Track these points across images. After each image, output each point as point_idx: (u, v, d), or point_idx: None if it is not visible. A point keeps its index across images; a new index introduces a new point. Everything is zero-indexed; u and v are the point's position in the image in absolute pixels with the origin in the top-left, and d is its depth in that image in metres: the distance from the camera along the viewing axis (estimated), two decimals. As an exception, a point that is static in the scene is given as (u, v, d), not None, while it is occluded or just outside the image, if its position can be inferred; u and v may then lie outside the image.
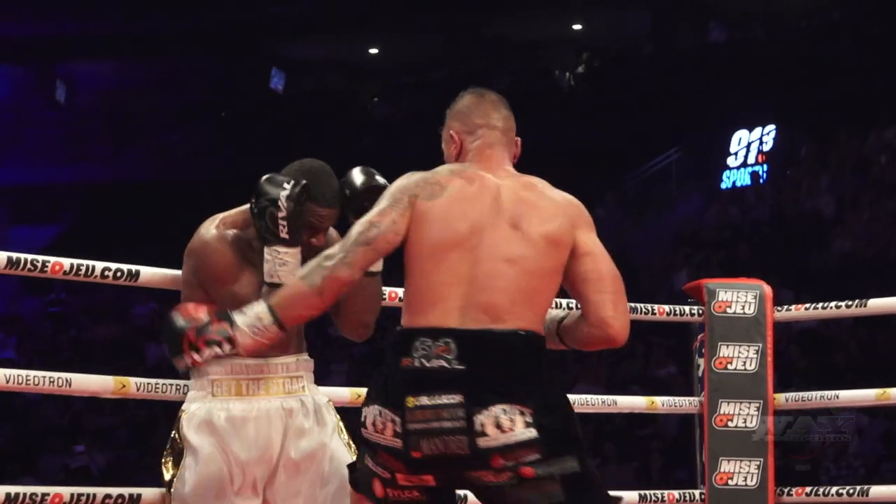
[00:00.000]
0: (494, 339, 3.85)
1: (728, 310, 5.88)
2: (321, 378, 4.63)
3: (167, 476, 4.36)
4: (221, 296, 4.30)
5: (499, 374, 3.82)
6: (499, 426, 3.76)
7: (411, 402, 3.79)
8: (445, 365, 3.80)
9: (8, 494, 4.52)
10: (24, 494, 4.55)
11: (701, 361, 5.90)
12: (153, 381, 4.83)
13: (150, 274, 4.77)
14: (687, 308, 5.97)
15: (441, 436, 3.77)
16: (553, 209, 4.03)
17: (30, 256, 4.60)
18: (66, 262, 4.66)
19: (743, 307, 5.90)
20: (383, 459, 3.84)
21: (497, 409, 3.77)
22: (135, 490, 4.73)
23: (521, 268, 3.94)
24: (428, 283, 3.92)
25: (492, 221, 3.97)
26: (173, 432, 4.36)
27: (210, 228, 4.36)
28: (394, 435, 3.80)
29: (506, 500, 3.82)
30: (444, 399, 3.77)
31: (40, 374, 4.65)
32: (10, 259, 4.54)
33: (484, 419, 3.75)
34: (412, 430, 3.78)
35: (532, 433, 3.77)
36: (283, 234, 4.23)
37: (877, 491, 6.03)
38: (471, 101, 4.22)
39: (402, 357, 3.83)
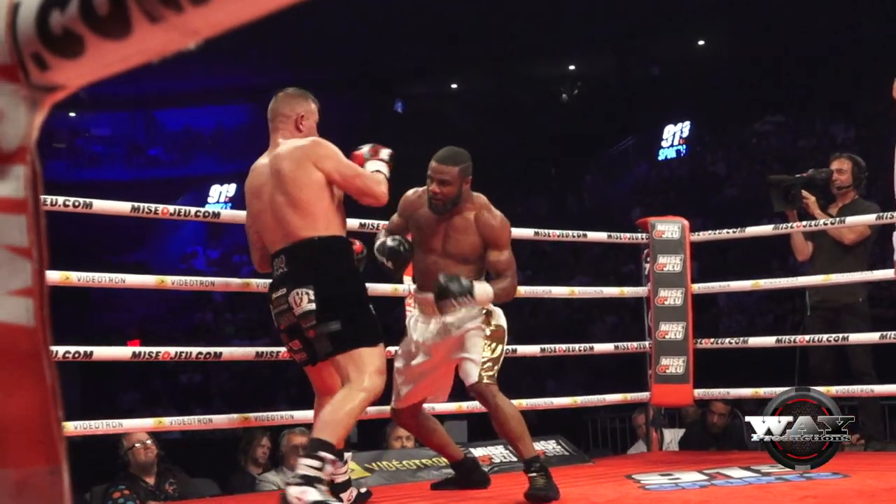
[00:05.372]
0: (296, 248, 3.68)
1: (663, 235, 5.84)
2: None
3: None
4: None
5: (297, 270, 3.67)
6: (297, 303, 3.63)
7: (271, 296, 3.74)
8: (281, 271, 3.70)
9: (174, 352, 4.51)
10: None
11: (647, 265, 5.87)
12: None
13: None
14: (640, 234, 5.94)
15: (285, 314, 3.69)
16: (289, 156, 3.68)
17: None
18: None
19: (672, 233, 5.84)
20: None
21: (294, 292, 3.64)
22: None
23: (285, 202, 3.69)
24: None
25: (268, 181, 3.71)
26: None
27: None
28: (273, 317, 3.76)
29: (316, 351, 3.71)
30: (281, 291, 3.68)
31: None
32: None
33: (291, 298, 3.65)
34: (275, 313, 3.73)
35: (311, 306, 3.61)
36: None
37: (753, 340, 6.02)
38: None
39: (272, 270, 3.78)
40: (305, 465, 3.40)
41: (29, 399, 0.80)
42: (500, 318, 4.10)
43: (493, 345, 4.01)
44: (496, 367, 3.99)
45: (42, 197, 3.13)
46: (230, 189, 23.29)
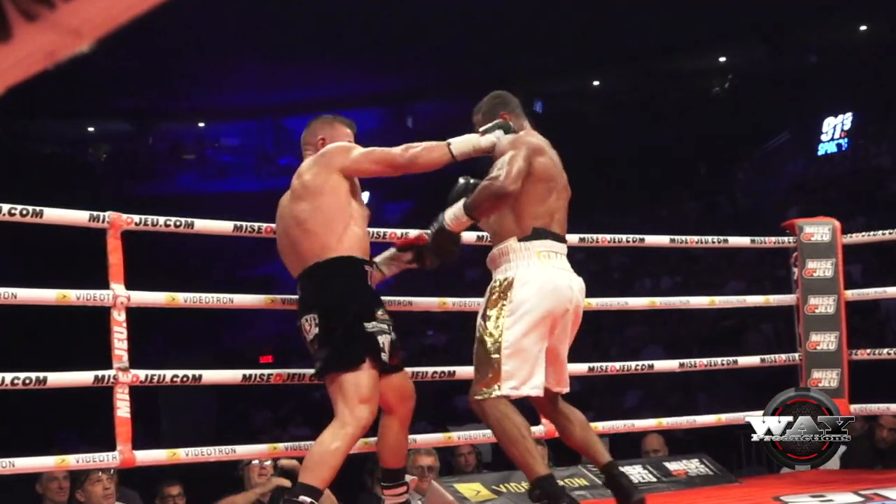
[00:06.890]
0: (306, 273, 3.76)
1: (812, 238, 5.68)
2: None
3: None
4: None
5: (305, 296, 3.77)
6: (307, 330, 3.73)
7: None
8: (297, 299, 3.82)
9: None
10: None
11: (795, 270, 5.72)
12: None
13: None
14: (787, 238, 5.79)
15: (307, 344, 3.81)
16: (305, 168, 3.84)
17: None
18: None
19: (822, 236, 5.69)
20: None
21: (304, 319, 3.73)
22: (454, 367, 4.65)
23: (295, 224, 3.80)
24: None
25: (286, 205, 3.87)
26: None
27: None
28: None
29: None
30: (298, 322, 3.77)
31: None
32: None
33: (302, 327, 3.74)
34: None
35: (316, 331, 3.67)
36: None
37: (908, 351, 5.80)
38: None
39: None
40: None
41: None
42: (512, 307, 3.72)
43: (487, 346, 3.71)
44: (492, 373, 3.68)
45: (143, 217, 3.16)
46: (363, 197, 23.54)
